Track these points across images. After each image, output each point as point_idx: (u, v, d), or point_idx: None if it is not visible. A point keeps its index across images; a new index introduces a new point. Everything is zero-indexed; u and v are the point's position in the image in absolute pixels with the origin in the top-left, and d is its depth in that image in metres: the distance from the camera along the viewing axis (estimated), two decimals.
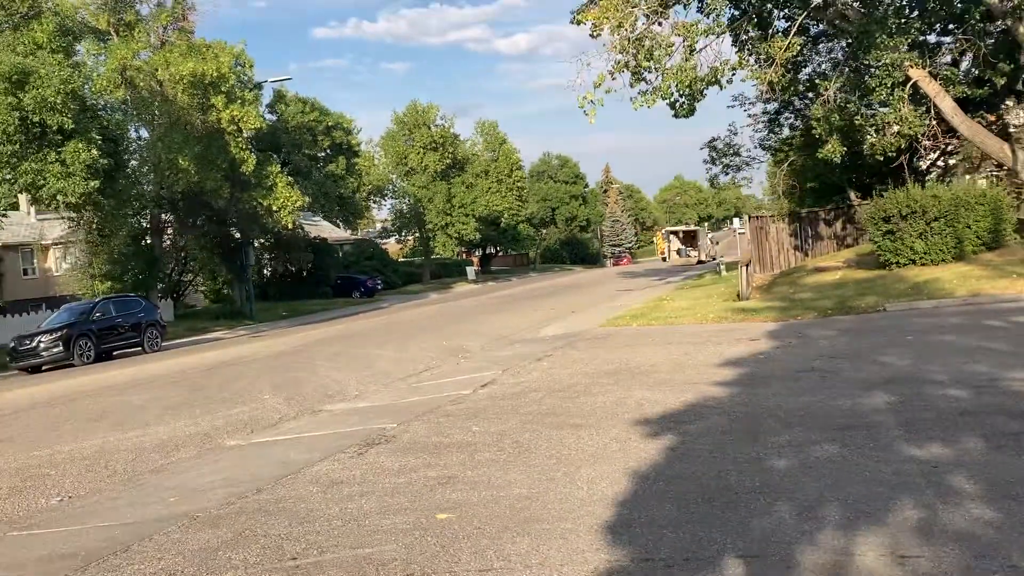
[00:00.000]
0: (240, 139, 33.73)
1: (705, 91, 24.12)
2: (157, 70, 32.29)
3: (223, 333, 34.14)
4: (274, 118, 43.20)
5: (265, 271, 52.16)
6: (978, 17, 21.43)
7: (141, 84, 31.99)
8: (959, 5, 22.20)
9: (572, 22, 25.76)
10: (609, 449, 7.32)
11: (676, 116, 25.00)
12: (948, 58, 23.69)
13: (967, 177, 28.22)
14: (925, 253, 19.51)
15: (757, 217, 31.94)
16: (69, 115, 25.44)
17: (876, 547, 4.54)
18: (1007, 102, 24.71)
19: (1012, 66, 22.67)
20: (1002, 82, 22.72)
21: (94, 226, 30.54)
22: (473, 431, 8.66)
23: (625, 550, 4.82)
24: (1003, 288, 15.71)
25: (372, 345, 20.71)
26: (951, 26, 23.63)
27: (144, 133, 35.35)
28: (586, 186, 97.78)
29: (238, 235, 42.70)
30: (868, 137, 25.03)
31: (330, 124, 46.43)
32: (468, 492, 6.35)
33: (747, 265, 23.23)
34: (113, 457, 9.51)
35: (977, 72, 23.15)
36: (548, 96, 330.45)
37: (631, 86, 23.98)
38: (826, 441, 6.89)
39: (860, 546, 4.58)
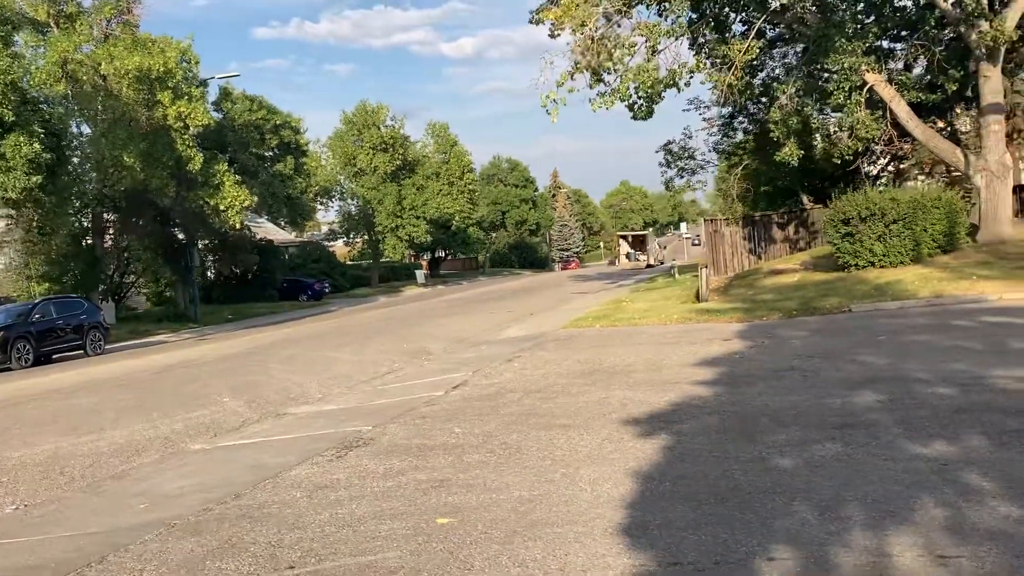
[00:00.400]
0: (187, 136, 32.75)
1: (663, 93, 24.17)
2: (100, 64, 31.17)
3: (167, 336, 33.14)
4: (220, 116, 42.17)
5: (209, 273, 50.92)
6: (932, 23, 21.82)
7: (84, 78, 30.85)
8: (914, 12, 22.58)
9: (531, 22, 25.64)
10: (604, 449, 7.08)
11: (634, 118, 25.00)
12: (902, 64, 24.09)
13: (918, 181, 28.75)
14: (884, 255, 19.71)
15: (712, 220, 32.11)
16: (9, 107, 24.41)
17: (911, 547, 4.36)
18: (956, 108, 25.26)
19: (962, 72, 23.14)
20: (954, 88, 23.16)
21: (34, 224, 29.37)
22: (455, 433, 8.35)
23: (648, 554, 4.57)
24: (965, 289, 15.91)
25: (328, 348, 20.20)
26: (904, 32, 24.02)
27: (86, 129, 34.21)
28: (536, 190, 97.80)
29: (182, 236, 41.59)
30: (820, 142, 25.36)
31: (278, 123, 45.53)
32: (464, 495, 6.04)
33: (706, 267, 23.28)
34: (69, 463, 8.96)
35: (930, 78, 23.55)
36: (494, 100, 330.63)
37: (590, 87, 23.91)
38: (826, 440, 6.74)
39: (894, 546, 4.39)
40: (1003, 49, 20.92)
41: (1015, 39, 21.60)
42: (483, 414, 9.22)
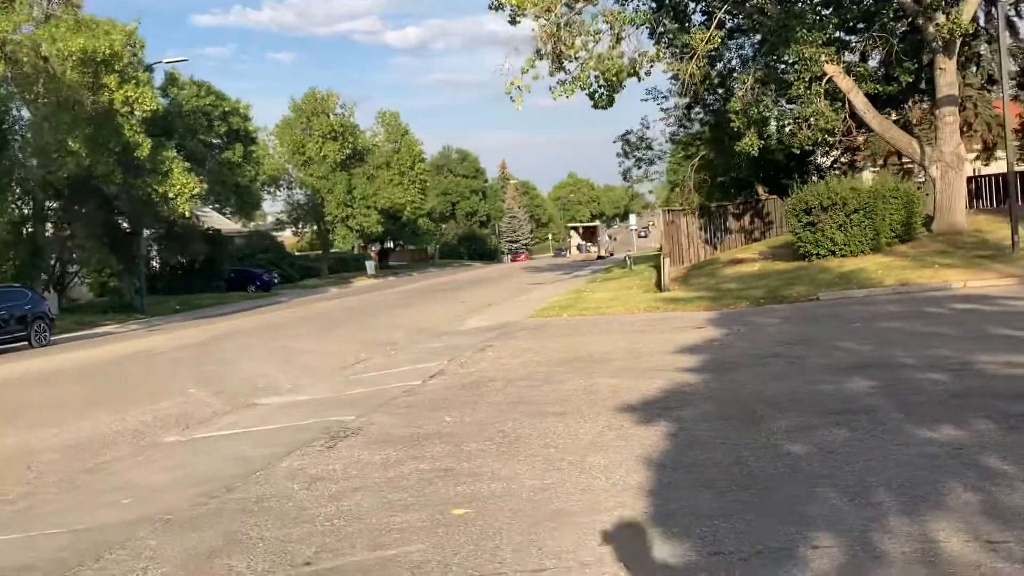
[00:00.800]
0: (134, 122, 31.72)
1: (624, 82, 24.09)
2: (42, 45, 30.01)
3: (114, 327, 32.15)
4: (167, 102, 41.01)
5: (154, 263, 49.63)
6: (890, 15, 22.09)
7: (24, 60, 29.68)
8: (872, 4, 22.84)
9: (491, 7, 25.31)
10: (607, 437, 6.92)
11: (595, 107, 24.88)
12: (859, 55, 24.36)
13: (869, 172, 29.18)
14: (844, 244, 19.92)
15: (669, 211, 32.21)
16: None
17: (954, 532, 4.27)
18: (910, 100, 25.68)
19: (917, 65, 23.50)
20: (909, 80, 23.50)
21: None
22: (446, 422, 8.12)
23: (685, 544, 4.41)
24: (929, 277, 16.13)
25: (288, 338, 19.76)
26: (860, 24, 24.29)
27: (26, 113, 32.92)
28: (486, 181, 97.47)
29: (126, 225, 40.40)
30: (777, 133, 25.54)
31: (227, 109, 44.44)
32: (474, 485, 5.82)
33: (667, 257, 23.33)
34: (36, 457, 8.52)
35: (885, 70, 23.86)
36: (440, 91, 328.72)
37: (551, 75, 23.72)
38: (831, 426, 6.67)
39: (937, 532, 4.29)
40: (958, 42, 21.27)
41: (970, 32, 22.00)
42: (470, 403, 9.00)
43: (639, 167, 31.47)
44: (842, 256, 19.88)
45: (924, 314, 12.66)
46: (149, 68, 37.58)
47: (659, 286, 22.86)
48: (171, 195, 33.29)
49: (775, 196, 30.29)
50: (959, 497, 4.80)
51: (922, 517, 4.52)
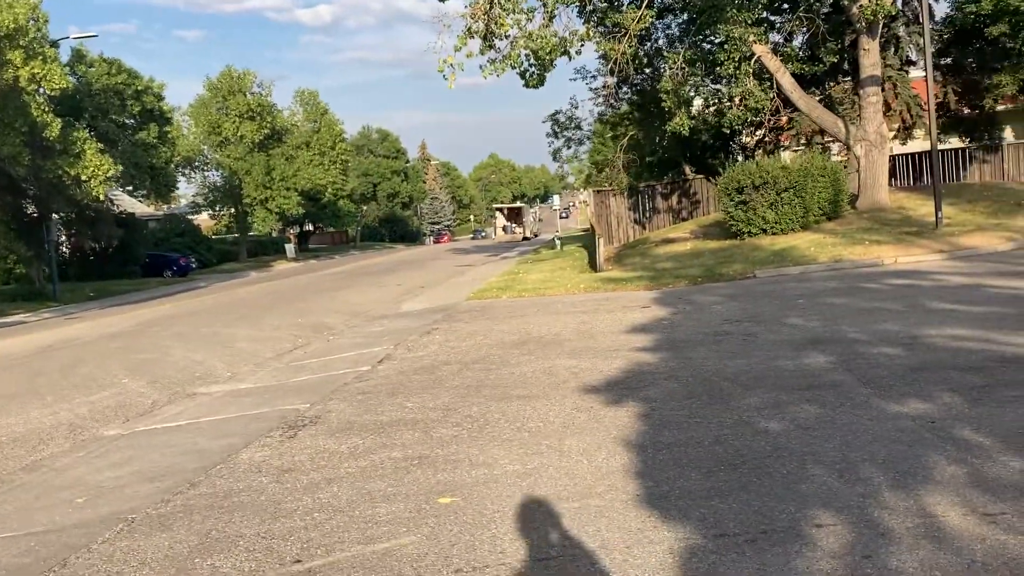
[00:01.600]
0: (41, 100, 30.21)
1: (555, 61, 23.97)
2: None
3: (26, 316, 30.72)
4: (75, 80, 39.18)
5: (64, 248, 47.61)
6: None
7: None
8: None
9: None
10: (578, 419, 6.83)
11: (526, 86, 24.68)
12: (785, 36, 24.77)
13: (791, 151, 29.78)
14: (776, 222, 20.28)
15: (599, 191, 32.35)
16: None
17: (950, 506, 4.31)
18: (833, 80, 26.26)
19: (840, 45, 24.04)
20: (833, 60, 24.04)
21: None
22: (408, 407, 7.92)
23: (687, 526, 4.35)
24: (860, 254, 16.53)
25: (218, 324, 19.14)
26: (786, 5, 24.68)
27: None
28: (407, 161, 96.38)
29: (32, 209, 38.60)
30: (701, 113, 25.83)
31: (139, 88, 42.69)
32: (453, 472, 5.67)
33: (600, 237, 23.41)
34: None
35: (811, 50, 24.33)
36: (354, 70, 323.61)
37: (482, 53, 23.44)
38: (800, 402, 6.72)
39: (933, 506, 4.33)
40: (881, 23, 21.79)
41: (892, 14, 22.57)
42: (428, 387, 8.81)
43: (569, 147, 31.53)
44: (773, 234, 20.24)
45: (863, 290, 12.95)
46: (55, 44, 35.85)
47: (593, 266, 22.93)
48: (84, 177, 31.85)
49: (702, 176, 30.72)
50: (945, 470, 4.86)
51: (915, 492, 4.56)
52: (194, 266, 52.84)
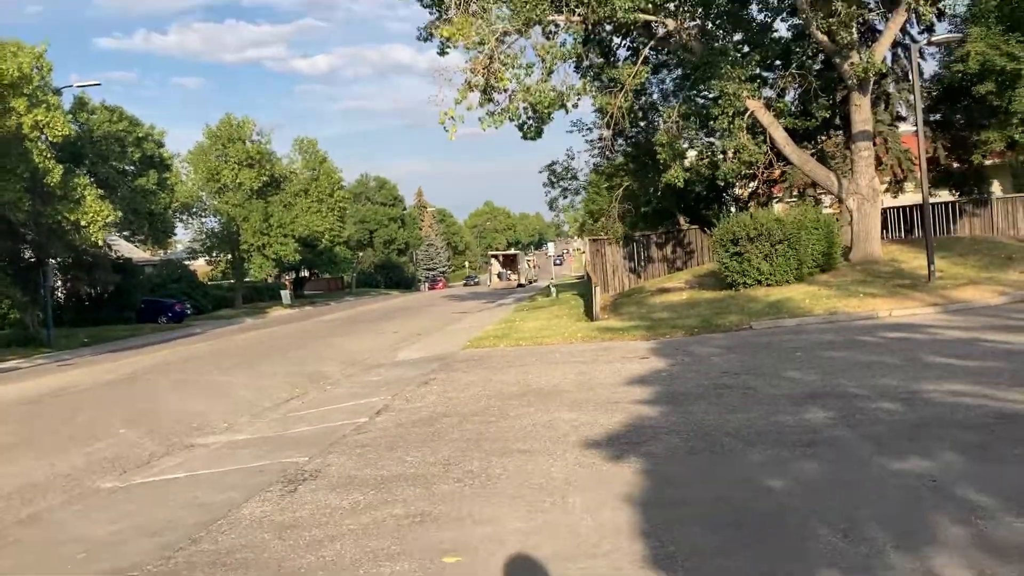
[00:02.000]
0: (43, 147, 30.43)
1: (552, 115, 24.31)
2: None
3: (19, 362, 30.60)
4: (77, 127, 39.54)
5: (59, 294, 47.54)
6: (808, 53, 22.95)
7: None
8: (791, 42, 23.67)
9: (419, 38, 25.39)
10: (580, 475, 6.84)
11: (524, 138, 25.03)
12: (778, 91, 25.18)
13: (784, 203, 30.06)
14: (770, 274, 20.41)
15: (595, 240, 32.56)
16: None
17: (958, 568, 4.33)
18: (825, 135, 26.64)
19: (832, 101, 24.45)
20: (825, 116, 24.43)
21: None
22: (408, 461, 7.92)
23: None
24: (855, 307, 16.64)
25: (215, 373, 19.10)
26: (779, 62, 25.13)
27: None
28: (404, 209, 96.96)
29: (29, 254, 38.63)
30: (695, 165, 26.13)
31: (140, 135, 43.10)
32: (457, 530, 5.67)
33: (597, 286, 23.51)
34: None
35: (803, 106, 24.73)
36: (351, 119, 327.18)
37: (481, 105, 23.76)
38: (803, 458, 6.75)
39: (940, 568, 4.35)
40: (872, 80, 22.19)
41: (883, 72, 22.99)
42: (428, 441, 8.80)
43: (565, 197, 31.79)
44: (768, 285, 20.36)
45: (860, 343, 13.02)
46: (59, 92, 36.23)
47: (590, 315, 22.99)
48: (83, 223, 31.98)
49: (696, 226, 30.95)
50: (949, 531, 4.88)
51: (920, 553, 4.58)
52: (189, 312, 52.75)
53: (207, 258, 63.88)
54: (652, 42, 23.94)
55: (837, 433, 7.47)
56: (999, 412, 7.63)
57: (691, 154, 27.18)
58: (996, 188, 32.22)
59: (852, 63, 21.62)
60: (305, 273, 79.04)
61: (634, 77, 23.03)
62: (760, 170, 25.09)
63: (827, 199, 28.09)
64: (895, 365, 10.72)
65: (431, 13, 24.90)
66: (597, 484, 6.51)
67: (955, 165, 29.16)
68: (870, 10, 23.39)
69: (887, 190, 27.26)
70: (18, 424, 13.52)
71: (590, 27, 23.86)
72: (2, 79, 28.23)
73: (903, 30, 23.69)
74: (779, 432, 7.72)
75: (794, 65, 23.80)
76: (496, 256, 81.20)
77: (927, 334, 13.31)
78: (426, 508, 6.26)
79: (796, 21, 24.34)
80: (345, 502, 6.68)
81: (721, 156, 24.22)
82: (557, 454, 7.62)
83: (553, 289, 39.40)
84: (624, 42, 26.49)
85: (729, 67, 21.73)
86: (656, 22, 23.30)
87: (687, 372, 11.81)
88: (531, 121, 24.48)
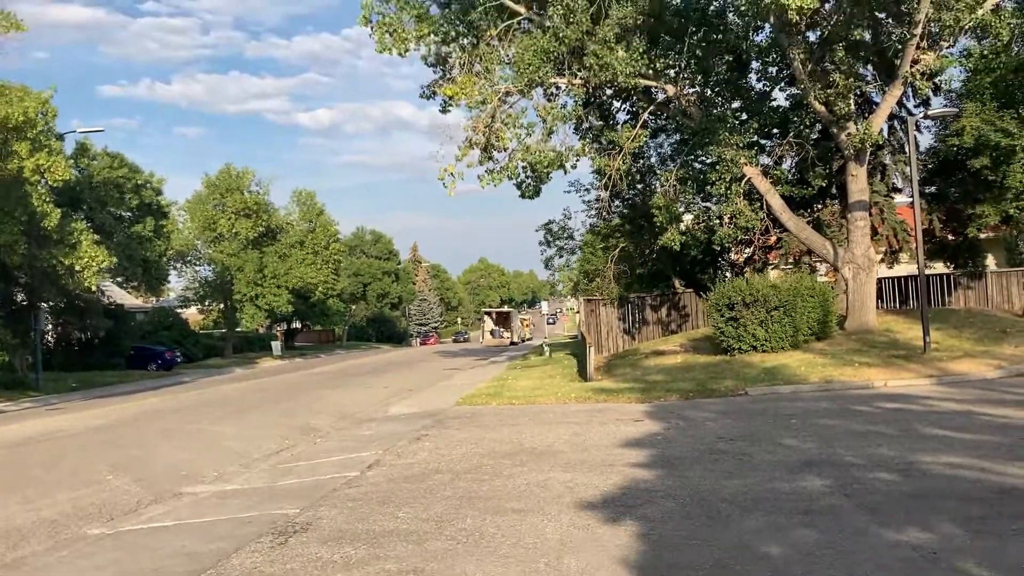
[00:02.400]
0: (42, 191, 30.54)
1: (551, 174, 24.56)
2: None
3: (6, 405, 30.28)
4: (77, 172, 39.74)
5: (49, 337, 47.26)
6: (806, 123, 23.31)
7: None
8: (789, 111, 24.07)
9: (423, 96, 25.73)
10: (575, 537, 6.74)
11: (522, 196, 25.29)
12: (775, 159, 25.51)
13: (779, 270, 30.23)
14: (766, 340, 20.41)
15: (589, 300, 32.62)
16: None
17: None
18: (821, 203, 26.90)
19: (828, 170, 24.76)
20: (822, 184, 24.71)
21: None
22: (399, 517, 7.80)
23: None
24: (851, 375, 16.62)
25: (204, 422, 18.92)
26: (776, 130, 25.50)
27: None
28: (399, 263, 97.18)
29: (21, 296, 38.49)
30: (690, 229, 26.35)
31: (139, 182, 43.36)
32: None
33: (592, 347, 23.48)
34: None
35: (800, 174, 25.04)
36: (351, 173, 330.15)
37: (480, 163, 24.00)
38: (800, 526, 6.68)
39: None
40: (869, 151, 22.51)
41: (879, 143, 23.34)
42: (420, 497, 8.69)
43: (560, 256, 31.96)
44: (763, 352, 20.35)
45: (855, 412, 12.97)
46: (61, 137, 36.51)
47: (584, 375, 22.92)
48: (78, 268, 31.92)
49: (691, 290, 31.06)
50: None
51: None
52: (179, 360, 52.46)
53: (199, 307, 63.76)
54: (652, 107, 24.33)
55: (834, 502, 7.41)
56: (998, 486, 7.57)
57: (687, 218, 27.42)
58: (991, 262, 32.46)
59: (849, 134, 21.96)
60: (297, 324, 78.81)
61: (633, 140, 23.34)
62: (756, 236, 25.29)
63: (822, 267, 28.24)
64: (891, 435, 10.67)
65: (435, 72, 25.34)
66: (592, 546, 6.41)
67: (950, 237, 29.41)
68: (867, 82, 23.82)
69: (882, 260, 27.43)
70: (4, 468, 13.31)
71: (591, 90, 24.27)
72: (7, 123, 28.47)
73: (900, 103, 24.08)
74: (776, 499, 7.64)
75: (792, 134, 24.15)
76: (489, 313, 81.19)
77: (923, 405, 13.27)
78: (419, 564, 6.15)
79: (794, 91, 24.77)
80: (336, 556, 6.56)
81: (717, 221, 24.42)
82: (552, 514, 7.52)
83: (546, 348, 39.34)
84: (624, 106, 26.94)
85: (727, 134, 22.03)
86: (656, 88, 23.71)
87: (682, 436, 11.73)
88: (529, 180, 24.76)
